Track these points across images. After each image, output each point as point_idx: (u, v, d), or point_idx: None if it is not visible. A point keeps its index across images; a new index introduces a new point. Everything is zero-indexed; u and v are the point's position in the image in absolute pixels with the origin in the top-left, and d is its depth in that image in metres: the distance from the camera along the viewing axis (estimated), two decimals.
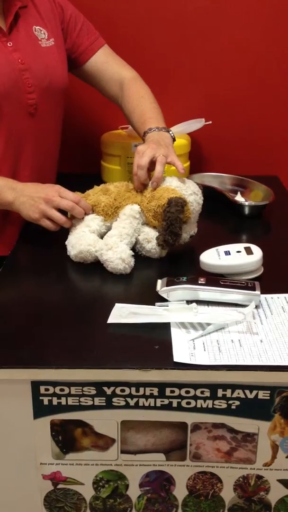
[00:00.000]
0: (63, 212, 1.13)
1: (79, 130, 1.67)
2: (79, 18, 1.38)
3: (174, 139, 1.27)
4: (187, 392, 0.83)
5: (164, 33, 1.59)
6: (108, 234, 1.09)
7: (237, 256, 1.04)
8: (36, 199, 1.13)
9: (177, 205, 1.06)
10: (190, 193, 1.11)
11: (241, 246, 1.06)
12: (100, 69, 1.40)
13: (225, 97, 1.65)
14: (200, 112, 1.59)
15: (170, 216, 1.05)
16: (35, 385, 0.83)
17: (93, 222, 1.13)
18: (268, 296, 1.00)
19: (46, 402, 0.84)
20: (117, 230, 1.09)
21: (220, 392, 0.83)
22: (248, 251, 1.05)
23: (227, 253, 1.05)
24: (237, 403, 0.84)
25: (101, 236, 1.13)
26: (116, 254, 1.05)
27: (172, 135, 1.26)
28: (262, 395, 0.83)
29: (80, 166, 1.66)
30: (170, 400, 0.84)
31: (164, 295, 0.97)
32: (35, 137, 1.29)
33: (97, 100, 1.49)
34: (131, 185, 1.17)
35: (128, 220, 1.10)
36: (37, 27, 1.29)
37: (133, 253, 1.09)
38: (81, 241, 1.10)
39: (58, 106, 1.35)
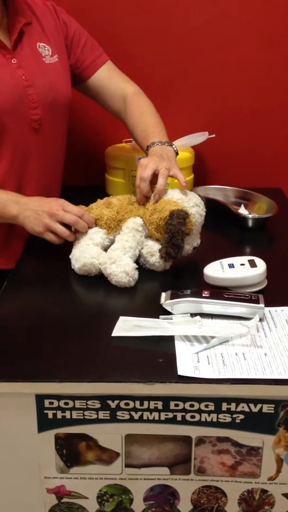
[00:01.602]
0: (67, 226, 1.14)
1: (84, 144, 1.68)
2: (83, 34, 1.40)
3: (177, 153, 1.27)
4: (192, 405, 0.83)
5: (167, 47, 1.60)
6: (111, 248, 1.10)
7: (241, 269, 1.04)
8: (40, 213, 1.14)
9: (179, 217, 1.06)
10: (192, 205, 1.11)
11: (245, 259, 1.07)
12: (104, 84, 1.41)
13: (228, 110, 1.66)
14: (204, 126, 1.60)
15: (172, 228, 1.06)
16: (40, 398, 0.83)
17: (96, 235, 1.13)
18: (272, 309, 1.00)
19: (50, 415, 0.84)
20: (120, 244, 1.10)
21: (224, 406, 0.83)
22: (252, 264, 1.05)
23: (231, 266, 1.05)
24: (242, 416, 0.84)
25: (105, 249, 1.13)
26: (120, 268, 1.06)
27: (175, 149, 1.27)
28: (267, 408, 0.83)
29: (84, 179, 1.67)
30: (175, 413, 0.84)
31: (168, 308, 0.97)
32: (39, 152, 1.30)
33: (101, 114, 1.50)
34: (134, 198, 1.18)
35: (131, 233, 1.11)
36: (41, 44, 1.30)
37: (136, 266, 1.09)
38: (85, 254, 1.10)
39: (62, 121, 1.36)
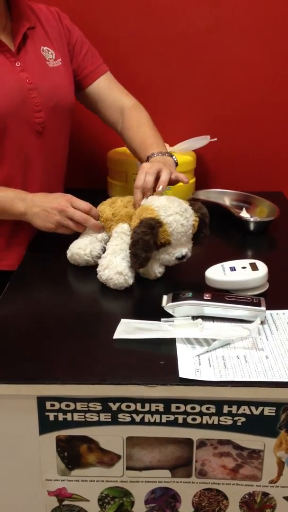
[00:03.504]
0: None
1: (86, 147, 1.68)
2: (85, 42, 1.40)
3: (176, 164, 1.27)
4: (193, 408, 0.83)
5: (169, 51, 1.60)
6: (102, 256, 1.11)
7: (242, 272, 1.04)
8: (49, 209, 1.15)
9: (145, 226, 1.03)
10: (170, 213, 1.06)
11: (246, 262, 1.07)
12: (102, 94, 1.41)
13: (230, 114, 1.66)
14: (206, 129, 1.60)
15: (134, 236, 1.04)
16: (41, 400, 0.83)
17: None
18: (274, 312, 1.00)
19: (51, 417, 0.84)
20: (111, 249, 1.10)
21: (225, 408, 0.83)
22: (254, 267, 1.05)
23: (233, 269, 1.05)
24: (243, 419, 0.84)
25: (105, 242, 1.16)
26: (112, 270, 1.06)
27: (175, 159, 1.27)
28: (268, 411, 0.83)
29: (87, 182, 1.68)
30: (176, 416, 0.84)
31: (170, 311, 0.97)
32: (43, 155, 1.30)
33: None
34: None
35: (119, 237, 1.11)
36: (44, 48, 1.31)
37: (130, 265, 1.09)
38: (74, 245, 1.15)
39: (65, 125, 1.37)
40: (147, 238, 1.03)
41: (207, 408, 0.83)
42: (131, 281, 1.07)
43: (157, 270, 1.10)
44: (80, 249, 1.14)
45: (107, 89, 1.41)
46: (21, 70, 1.25)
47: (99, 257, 1.12)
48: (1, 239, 1.31)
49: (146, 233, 1.03)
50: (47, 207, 1.16)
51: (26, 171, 1.28)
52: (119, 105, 1.41)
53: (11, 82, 1.22)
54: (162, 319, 0.96)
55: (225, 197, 1.52)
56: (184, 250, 1.09)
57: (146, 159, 1.27)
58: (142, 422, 0.84)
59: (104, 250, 1.14)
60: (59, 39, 1.35)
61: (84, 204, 1.15)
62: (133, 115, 1.39)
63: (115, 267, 1.06)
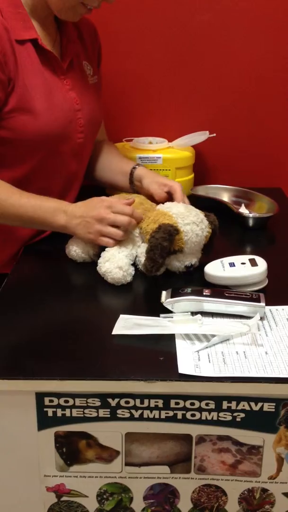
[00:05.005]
0: None
1: None
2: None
3: None
4: (192, 404, 0.83)
5: (168, 46, 1.60)
6: (106, 249, 1.10)
7: (241, 267, 1.04)
8: (89, 219, 1.09)
9: (164, 232, 1.03)
10: (188, 222, 1.07)
11: (245, 258, 1.06)
12: None
13: (229, 109, 1.65)
14: (204, 125, 1.60)
15: (153, 241, 1.03)
16: (40, 396, 0.83)
17: None
18: (273, 307, 0.99)
19: (50, 413, 0.84)
20: (117, 245, 1.10)
21: (225, 404, 0.83)
22: (253, 262, 1.05)
23: (232, 264, 1.05)
24: (242, 415, 0.83)
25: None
26: (113, 264, 1.06)
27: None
28: (267, 407, 0.83)
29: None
30: (175, 412, 0.84)
31: (169, 307, 0.97)
32: (80, 174, 1.30)
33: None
34: (146, 203, 1.18)
35: (127, 235, 1.11)
36: (84, 62, 1.29)
37: (132, 262, 1.09)
38: (73, 244, 1.14)
39: (92, 142, 1.35)
40: (166, 244, 1.03)
41: (207, 404, 0.83)
42: (129, 278, 1.07)
43: (160, 271, 1.10)
44: (78, 248, 1.14)
45: None
46: (70, 89, 1.21)
47: (97, 256, 1.12)
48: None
49: (165, 239, 1.03)
50: (86, 217, 1.09)
51: (65, 192, 1.26)
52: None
53: (61, 103, 1.19)
54: (161, 315, 0.96)
55: (224, 193, 1.52)
56: (194, 260, 1.10)
57: (133, 167, 1.33)
58: (141, 418, 0.84)
59: (101, 248, 1.14)
60: (94, 55, 1.33)
61: (127, 209, 1.09)
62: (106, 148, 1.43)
63: (117, 262, 1.06)
